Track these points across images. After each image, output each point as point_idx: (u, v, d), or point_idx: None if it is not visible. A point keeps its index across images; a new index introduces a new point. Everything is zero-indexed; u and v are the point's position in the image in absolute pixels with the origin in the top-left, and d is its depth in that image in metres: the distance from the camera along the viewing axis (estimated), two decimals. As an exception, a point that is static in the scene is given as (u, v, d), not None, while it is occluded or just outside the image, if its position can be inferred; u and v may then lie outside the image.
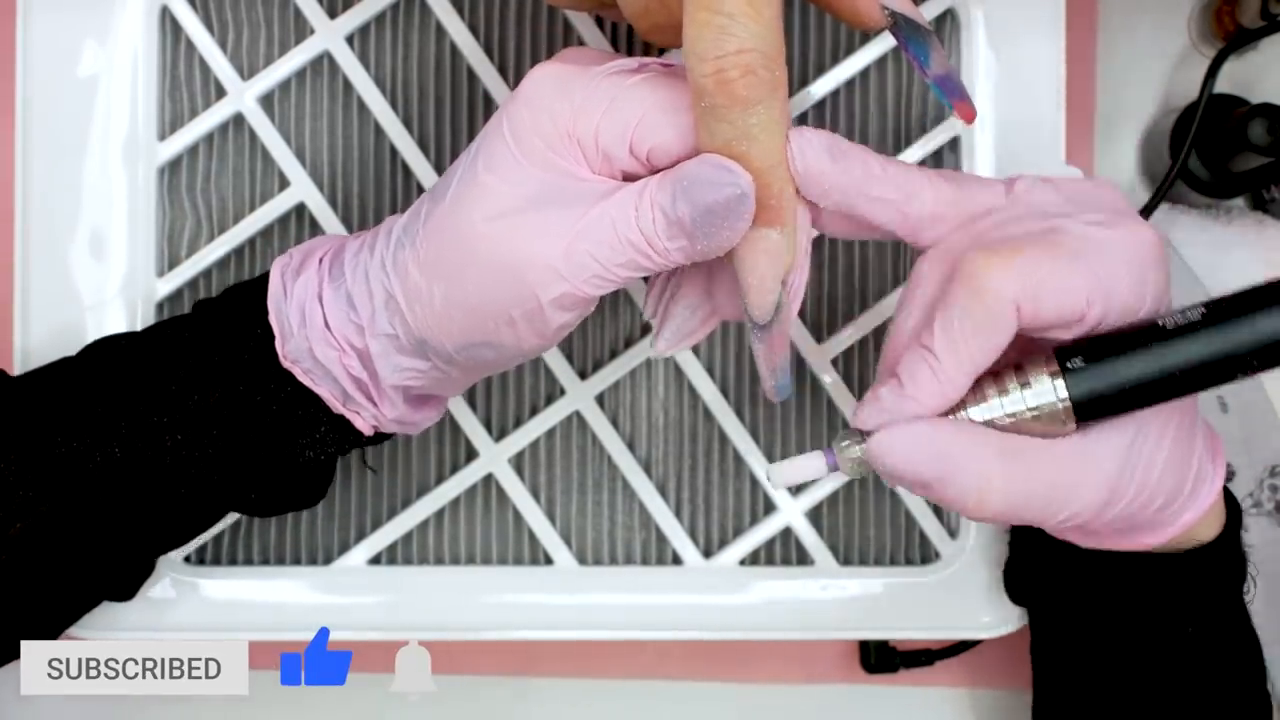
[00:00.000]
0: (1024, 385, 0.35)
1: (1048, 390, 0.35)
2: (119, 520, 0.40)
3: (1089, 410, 0.35)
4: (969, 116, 0.37)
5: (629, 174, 0.34)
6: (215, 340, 0.40)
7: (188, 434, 0.39)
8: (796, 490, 0.50)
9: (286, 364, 0.39)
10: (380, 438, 0.42)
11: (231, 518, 0.49)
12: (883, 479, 0.36)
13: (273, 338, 0.39)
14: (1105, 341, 0.35)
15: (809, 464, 0.36)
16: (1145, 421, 0.36)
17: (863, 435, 0.36)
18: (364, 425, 0.40)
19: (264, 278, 0.40)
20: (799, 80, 0.49)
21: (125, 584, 0.44)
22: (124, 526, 0.40)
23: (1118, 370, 0.34)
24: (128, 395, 0.40)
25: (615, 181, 0.34)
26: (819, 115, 0.49)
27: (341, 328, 0.38)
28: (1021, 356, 0.36)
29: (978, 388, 0.36)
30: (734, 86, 0.31)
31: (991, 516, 0.35)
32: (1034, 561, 0.46)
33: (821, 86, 0.48)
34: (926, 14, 0.49)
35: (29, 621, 0.42)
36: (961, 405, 0.36)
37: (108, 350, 0.41)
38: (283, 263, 0.40)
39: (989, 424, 0.35)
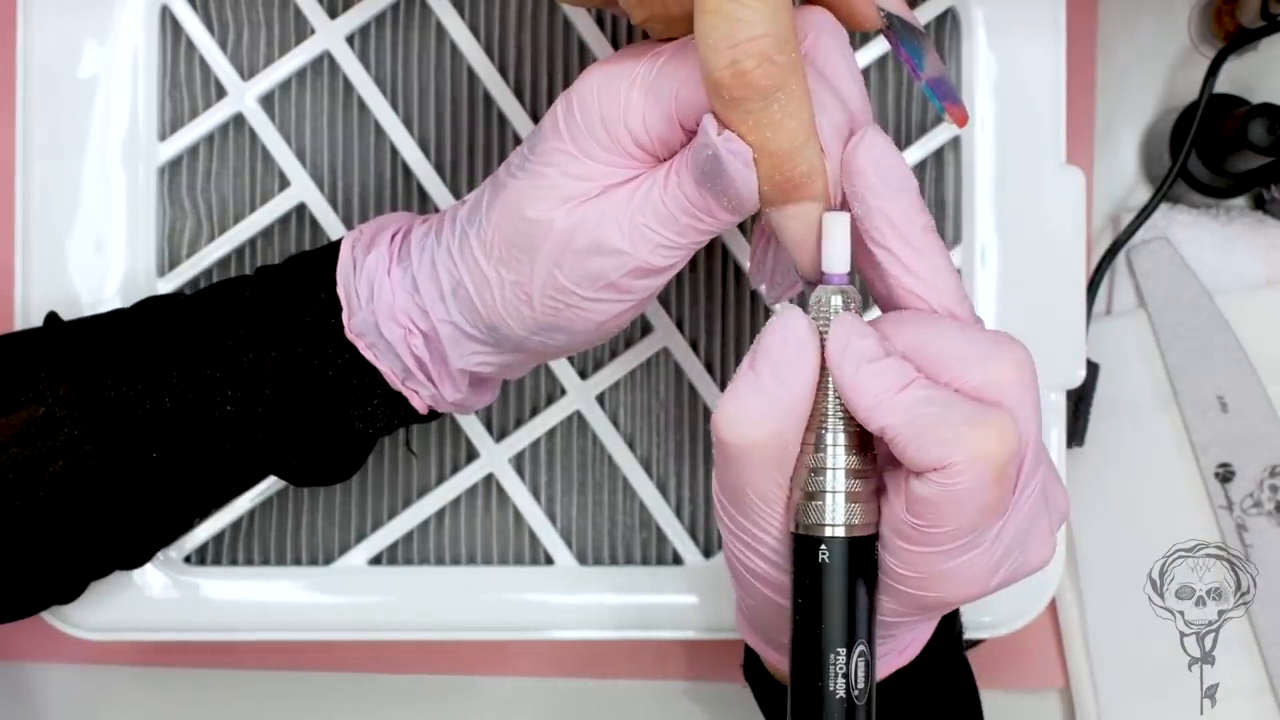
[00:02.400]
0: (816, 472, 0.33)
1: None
2: (159, 471, 0.40)
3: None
4: (961, 120, 0.36)
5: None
6: (277, 301, 0.40)
7: (239, 391, 0.39)
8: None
9: (351, 337, 0.39)
10: (431, 416, 0.42)
11: (232, 516, 0.49)
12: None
13: (336, 305, 0.40)
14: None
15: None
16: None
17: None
18: (420, 404, 0.41)
19: (331, 246, 0.41)
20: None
21: (143, 548, 0.44)
22: (162, 479, 0.40)
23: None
24: (182, 347, 0.40)
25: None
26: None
27: (407, 308, 0.39)
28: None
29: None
30: (750, 77, 0.30)
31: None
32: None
33: (821, 86, 0.48)
34: (927, 14, 0.49)
35: (49, 575, 0.42)
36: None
37: (164, 303, 0.42)
38: (353, 237, 0.41)
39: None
